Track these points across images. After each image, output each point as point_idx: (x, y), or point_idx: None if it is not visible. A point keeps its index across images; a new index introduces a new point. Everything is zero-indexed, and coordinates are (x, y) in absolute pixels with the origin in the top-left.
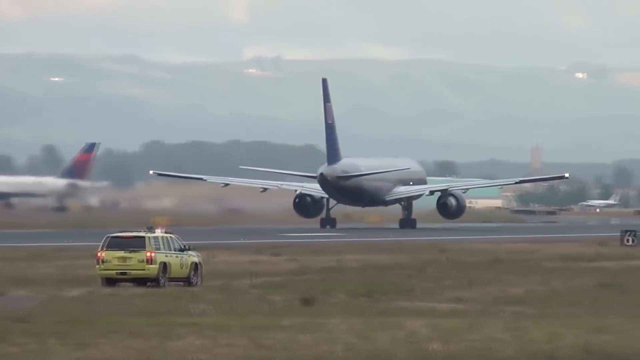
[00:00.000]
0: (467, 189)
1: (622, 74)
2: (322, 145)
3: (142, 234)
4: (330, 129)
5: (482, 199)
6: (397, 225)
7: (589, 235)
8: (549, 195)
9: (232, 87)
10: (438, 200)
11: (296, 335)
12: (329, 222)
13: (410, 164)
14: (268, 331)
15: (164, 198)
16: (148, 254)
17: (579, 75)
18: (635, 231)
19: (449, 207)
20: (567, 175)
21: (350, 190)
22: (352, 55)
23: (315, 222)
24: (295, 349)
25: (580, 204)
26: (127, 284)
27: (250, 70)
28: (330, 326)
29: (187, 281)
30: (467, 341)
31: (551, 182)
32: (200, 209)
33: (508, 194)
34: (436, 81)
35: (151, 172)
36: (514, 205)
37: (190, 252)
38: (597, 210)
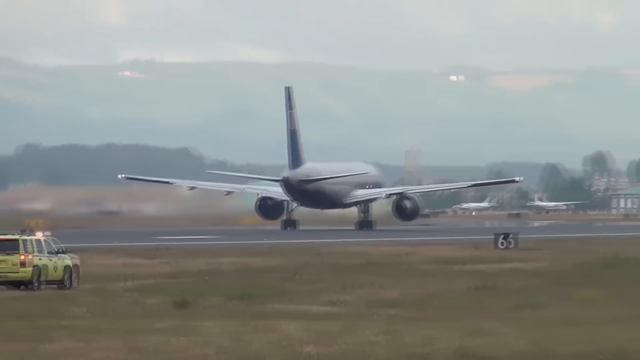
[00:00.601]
0: (422, 192)
1: (497, 77)
2: (197, 148)
3: (15, 236)
4: (293, 135)
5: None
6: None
7: (463, 239)
8: (423, 198)
9: (108, 90)
10: (394, 203)
11: (170, 339)
12: (290, 224)
13: (367, 169)
14: (142, 334)
15: (39, 201)
16: (22, 257)
17: (455, 78)
18: (508, 234)
19: (404, 209)
20: (518, 179)
21: (311, 194)
22: (228, 58)
23: (276, 223)
24: (169, 352)
25: (454, 207)
26: (1, 287)
27: (126, 73)
28: (204, 329)
29: (61, 284)
30: (341, 344)
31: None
32: (76, 212)
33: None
34: (312, 84)
35: (120, 176)
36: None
37: (65, 255)
38: (472, 213)
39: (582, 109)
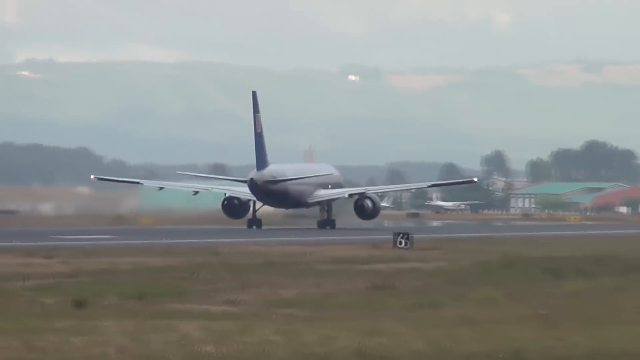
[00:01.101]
0: (383, 192)
1: (395, 76)
2: (96, 147)
3: None
4: (259, 137)
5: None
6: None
7: (362, 238)
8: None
9: (5, 90)
10: (355, 203)
11: (69, 338)
12: (255, 223)
13: (330, 170)
14: (41, 334)
15: None
16: None
17: (352, 77)
18: (407, 233)
19: (365, 208)
20: (475, 179)
21: (277, 194)
22: (127, 58)
23: (242, 222)
24: (69, 351)
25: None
26: None
27: (23, 73)
28: (102, 329)
29: None
30: (239, 344)
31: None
32: None
33: (344, 197)
34: (211, 84)
35: (92, 176)
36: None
37: None
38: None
39: (480, 108)
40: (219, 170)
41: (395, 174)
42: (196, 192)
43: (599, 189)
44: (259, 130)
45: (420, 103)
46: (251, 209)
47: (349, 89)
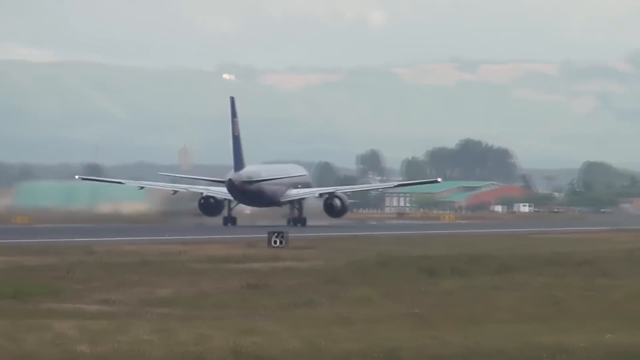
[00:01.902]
0: (351, 191)
1: (269, 75)
2: None
3: None
4: (236, 141)
5: (129, 202)
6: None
7: (237, 237)
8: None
9: None
10: (325, 201)
11: None
12: (230, 220)
13: (300, 170)
14: None
15: None
16: None
17: (227, 76)
18: (282, 232)
19: (334, 207)
20: (440, 179)
21: (252, 194)
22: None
23: (217, 220)
24: None
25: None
26: None
27: None
28: None
29: None
30: (115, 343)
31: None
32: None
33: (155, 196)
34: (85, 83)
35: (76, 177)
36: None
37: None
38: (247, 212)
39: (355, 107)
40: (93, 170)
41: None
42: (175, 192)
43: (474, 188)
44: (236, 134)
45: (295, 102)
46: (226, 207)
47: (224, 88)
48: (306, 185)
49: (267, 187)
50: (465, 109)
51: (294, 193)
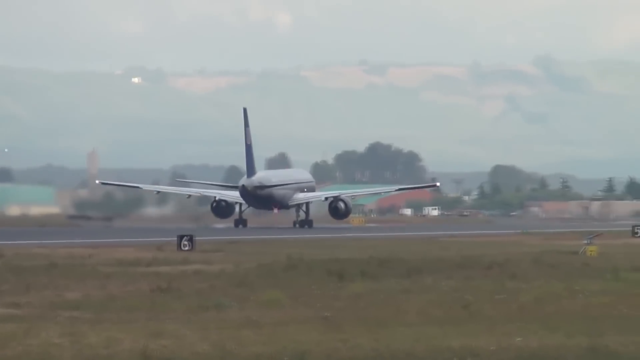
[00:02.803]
0: (356, 196)
1: (178, 78)
2: None
3: None
4: (248, 149)
5: (38, 205)
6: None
7: (146, 240)
8: (106, 201)
9: None
10: (330, 205)
11: None
12: (241, 222)
13: (306, 174)
14: None
15: None
16: None
17: (135, 80)
18: (191, 235)
19: (339, 210)
20: (438, 184)
21: (264, 198)
22: None
23: (229, 221)
24: None
25: (137, 210)
26: None
27: None
28: None
29: None
30: (24, 346)
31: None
32: None
33: (65, 200)
34: None
35: (97, 181)
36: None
37: None
38: (155, 216)
39: (263, 110)
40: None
41: (178, 177)
42: (189, 196)
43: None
44: (248, 143)
45: (203, 105)
46: (237, 210)
47: (133, 91)
48: (311, 189)
49: (277, 191)
50: (374, 112)
51: (301, 197)
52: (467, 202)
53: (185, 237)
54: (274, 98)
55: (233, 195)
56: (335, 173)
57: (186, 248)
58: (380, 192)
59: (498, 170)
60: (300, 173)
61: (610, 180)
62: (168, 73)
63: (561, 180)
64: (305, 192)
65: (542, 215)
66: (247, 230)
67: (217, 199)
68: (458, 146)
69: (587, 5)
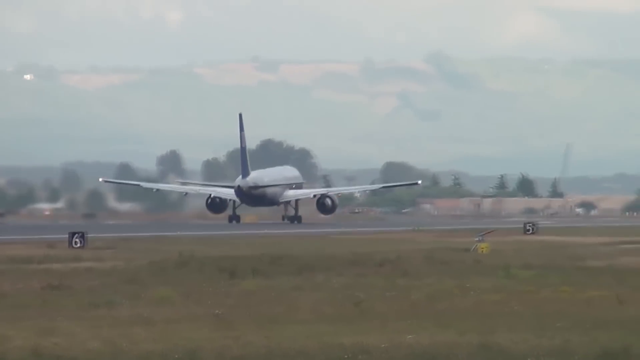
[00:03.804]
0: (341, 192)
1: (70, 75)
2: None
3: None
4: (243, 152)
5: None
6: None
7: (37, 237)
8: None
9: None
10: (318, 201)
11: None
12: (235, 218)
13: (294, 171)
14: None
15: None
16: None
17: (27, 77)
18: (82, 233)
19: (326, 205)
20: (419, 182)
21: (257, 197)
22: None
23: (223, 217)
24: None
25: (28, 207)
26: None
27: None
28: None
29: None
30: None
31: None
32: None
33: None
34: None
35: (100, 179)
36: None
37: None
38: (46, 213)
39: (155, 108)
40: None
41: (70, 175)
42: (186, 193)
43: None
44: (243, 146)
45: (95, 103)
46: (231, 207)
47: (25, 88)
48: (298, 186)
49: (269, 190)
50: (267, 109)
51: (291, 194)
52: (359, 199)
53: (77, 235)
54: (166, 95)
55: (227, 193)
56: (227, 170)
57: (78, 245)
58: (365, 190)
59: (390, 167)
60: (289, 171)
61: (502, 177)
62: (60, 70)
63: (453, 177)
64: (294, 188)
65: (434, 212)
66: (234, 225)
67: (212, 196)
68: (350, 143)
69: (477, 2)
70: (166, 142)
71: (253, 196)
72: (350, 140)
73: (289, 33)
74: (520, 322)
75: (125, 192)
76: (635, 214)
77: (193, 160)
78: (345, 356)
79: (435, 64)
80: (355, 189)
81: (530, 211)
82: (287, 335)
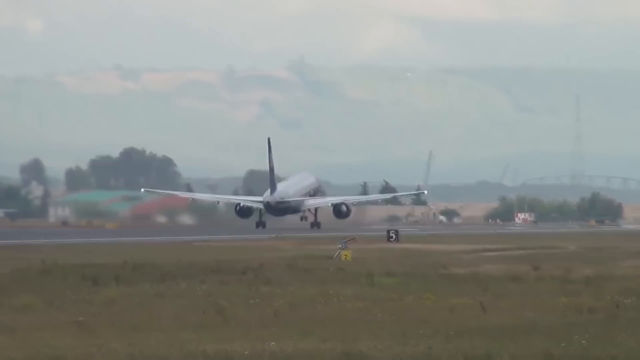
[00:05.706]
0: (355, 201)
1: None
2: None
3: None
4: (271, 171)
5: None
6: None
7: None
8: None
9: None
10: (334, 208)
11: None
12: (261, 224)
13: (310, 177)
14: None
15: None
16: None
17: None
18: None
19: (341, 211)
20: (426, 191)
21: (283, 209)
22: None
23: (250, 222)
24: None
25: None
26: None
27: None
28: None
29: None
30: None
31: None
32: None
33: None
34: None
35: (142, 189)
36: None
37: None
38: None
39: (18, 116)
40: None
41: None
42: (218, 202)
43: (138, 197)
44: (271, 166)
45: None
46: (257, 214)
47: None
48: (316, 190)
49: (293, 202)
50: (129, 118)
51: (311, 203)
52: (222, 208)
53: None
54: (28, 103)
55: (252, 201)
56: (90, 179)
57: None
58: (378, 199)
59: (252, 175)
60: (307, 178)
61: (364, 185)
62: None
63: None
64: (312, 194)
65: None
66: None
67: (241, 204)
68: (213, 151)
69: (338, 11)
70: (28, 150)
71: (279, 209)
72: (213, 149)
73: (151, 42)
74: (384, 329)
75: None
76: (498, 221)
77: (56, 168)
78: None
79: (296, 73)
80: (365, 198)
81: (393, 219)
82: (149, 343)
